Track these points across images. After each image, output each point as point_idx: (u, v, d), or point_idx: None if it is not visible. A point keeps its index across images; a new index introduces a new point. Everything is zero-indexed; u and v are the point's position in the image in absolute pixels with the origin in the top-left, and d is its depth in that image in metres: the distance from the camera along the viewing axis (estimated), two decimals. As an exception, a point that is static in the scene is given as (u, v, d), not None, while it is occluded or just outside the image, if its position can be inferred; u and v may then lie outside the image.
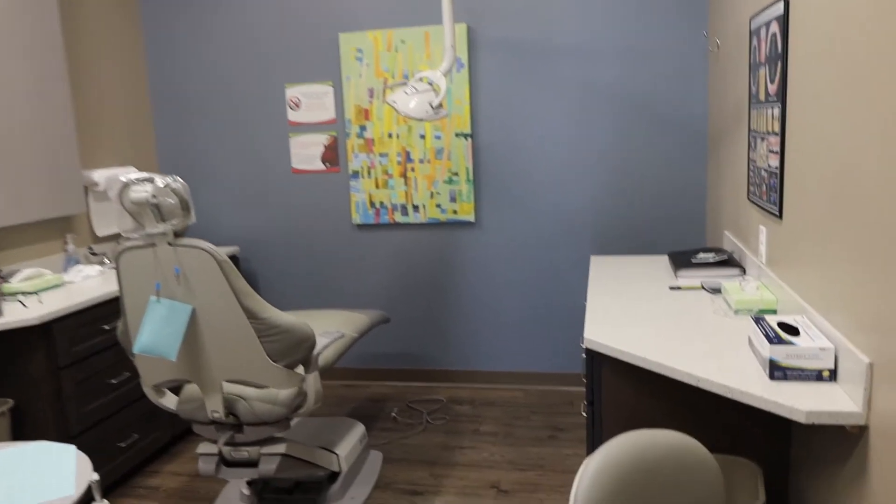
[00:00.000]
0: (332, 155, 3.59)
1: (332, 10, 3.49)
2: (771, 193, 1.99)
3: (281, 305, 3.82)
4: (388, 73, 3.44)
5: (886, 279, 1.23)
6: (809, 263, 1.67)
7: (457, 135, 3.42)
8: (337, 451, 2.59)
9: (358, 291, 3.71)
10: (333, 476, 2.60)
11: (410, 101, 2.70)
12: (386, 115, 3.48)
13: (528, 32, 3.31)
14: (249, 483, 2.62)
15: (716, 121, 2.99)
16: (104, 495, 2.72)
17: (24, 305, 2.54)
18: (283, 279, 3.79)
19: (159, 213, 2.03)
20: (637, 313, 2.05)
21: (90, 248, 3.29)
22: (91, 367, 2.62)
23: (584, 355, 1.95)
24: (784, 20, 1.83)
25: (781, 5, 1.85)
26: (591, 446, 1.98)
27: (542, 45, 3.31)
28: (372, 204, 3.57)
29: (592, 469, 1.39)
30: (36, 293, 2.72)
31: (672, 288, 2.30)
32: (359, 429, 2.81)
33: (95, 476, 1.71)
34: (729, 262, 2.40)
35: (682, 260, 2.50)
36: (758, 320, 1.66)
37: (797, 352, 1.49)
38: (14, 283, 2.68)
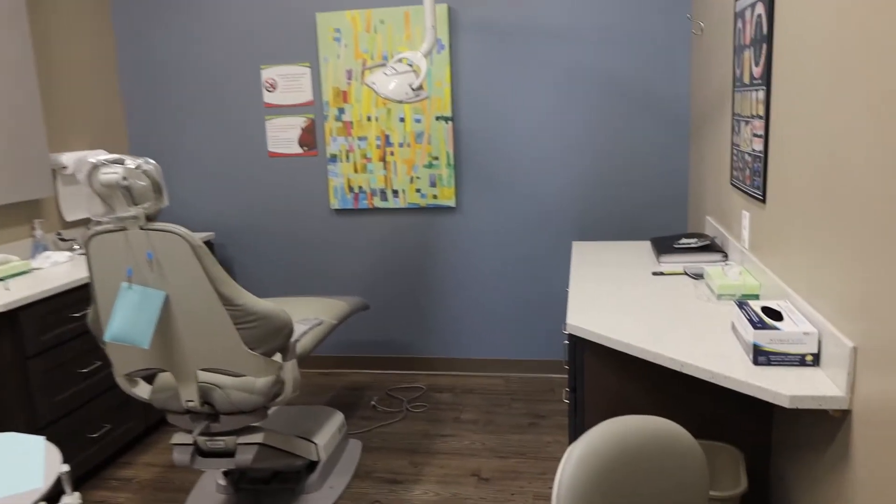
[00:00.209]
0: (310, 138, 3.52)
1: (309, -10, 3.40)
2: (754, 178, 1.98)
3: (258, 292, 3.75)
4: (367, 54, 3.37)
5: (871, 263, 1.22)
6: (793, 248, 1.66)
7: (437, 118, 3.36)
8: (315, 441, 2.55)
9: (337, 278, 3.65)
10: (312, 465, 2.57)
11: (390, 82, 2.64)
12: (365, 98, 3.41)
13: (510, 13, 3.26)
14: (226, 473, 2.57)
15: (699, 104, 2.98)
16: (75, 488, 2.65)
17: (-12, 292, 2.45)
18: (259, 265, 3.72)
19: (130, 195, 1.97)
20: (620, 299, 2.03)
21: (59, 234, 3.19)
22: (60, 357, 2.54)
23: (566, 341, 1.93)
24: (769, 1, 1.81)
25: (768, -14, 1.82)
26: (574, 433, 1.97)
27: (523, 26, 3.26)
28: (350, 189, 3.51)
29: (576, 456, 1.37)
30: (2, 280, 2.62)
31: (655, 273, 2.29)
32: (338, 417, 2.77)
33: (65, 468, 1.65)
34: (711, 247, 2.39)
35: (664, 245, 2.49)
36: (741, 305, 1.65)
37: (781, 336, 1.48)
38: (-22, 270, 2.59)
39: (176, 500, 2.54)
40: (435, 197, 3.44)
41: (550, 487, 2.49)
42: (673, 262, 2.39)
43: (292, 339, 2.19)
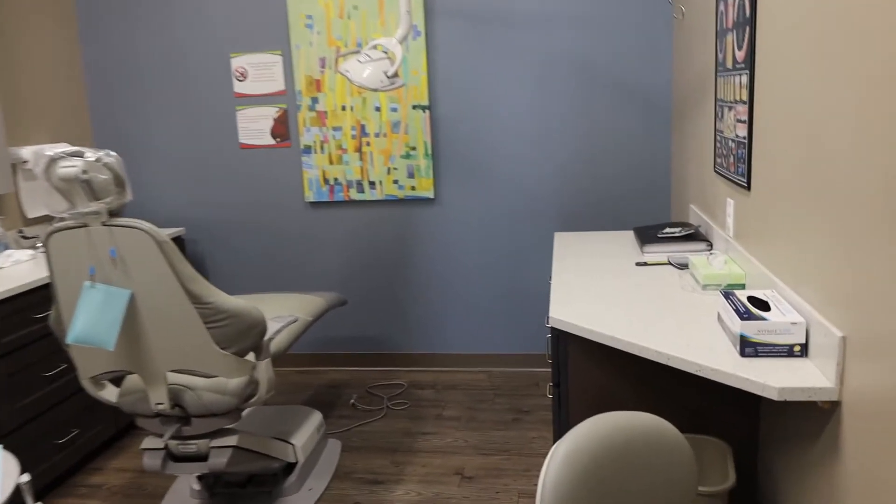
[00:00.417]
0: (283, 129, 3.42)
1: (279, -24, 3.30)
2: (739, 164, 1.94)
3: (231, 289, 3.65)
4: (341, 41, 3.27)
5: (859, 251, 1.18)
6: (779, 236, 1.62)
7: (414, 107, 3.28)
8: (293, 441, 2.48)
9: (313, 273, 3.57)
10: (289, 467, 2.49)
11: (364, 70, 2.55)
12: (339, 87, 3.32)
13: None
14: (200, 478, 2.49)
15: (681, 90, 2.94)
16: (41, 496, 2.55)
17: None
18: (232, 261, 3.62)
19: (91, 190, 1.88)
20: (603, 291, 1.98)
21: (20, 231, 3.06)
22: (22, 360, 2.43)
23: (549, 335, 1.88)
24: (754, -18, 1.76)
25: (751, -34, 1.78)
26: (558, 429, 1.92)
27: (501, 11, 3.19)
28: (326, 180, 3.42)
29: (560, 455, 1.32)
30: (-42, 280, 2.50)
31: (638, 264, 2.25)
32: (316, 417, 2.70)
33: (25, 477, 1.56)
34: (695, 236, 2.35)
35: (647, 235, 2.44)
36: (727, 295, 1.61)
37: (768, 327, 1.45)
38: (-68, 270, 2.46)
39: (148, 506, 2.46)
40: (413, 188, 3.36)
41: (535, 485, 2.44)
42: (657, 252, 2.35)
43: (266, 338, 2.12)
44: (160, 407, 2.07)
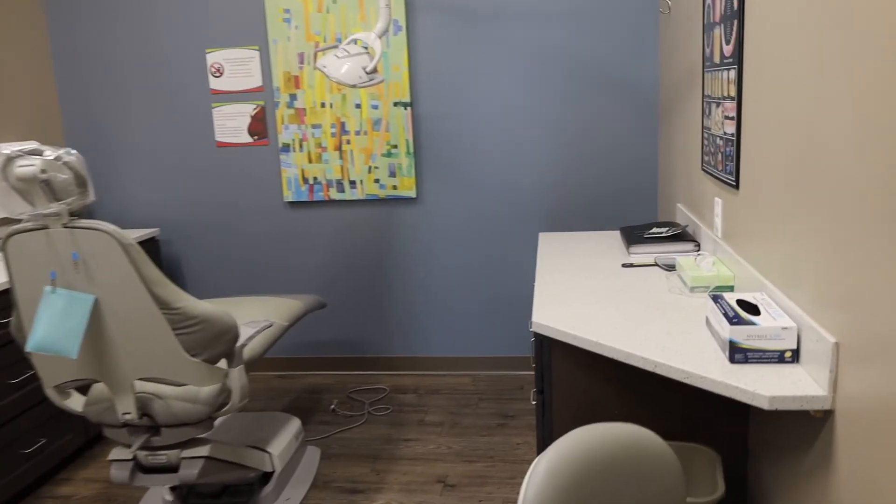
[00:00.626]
0: (260, 126, 3.33)
1: (256, -31, 3.20)
2: (727, 163, 1.88)
3: (208, 291, 3.55)
4: (320, 36, 3.18)
5: (853, 251, 1.13)
6: (769, 237, 1.57)
7: (395, 104, 3.20)
8: (269, 450, 2.40)
9: (291, 274, 3.48)
10: (266, 476, 2.41)
11: (342, 65, 2.47)
12: (318, 83, 3.23)
13: (470, -5, 3.11)
14: (173, 488, 2.40)
15: (668, 86, 2.88)
16: (6, 509, 2.45)
17: None
18: (209, 262, 3.52)
19: (51, 190, 1.78)
20: (588, 293, 1.92)
21: (-14, 233, 2.95)
22: (-16, 367, 2.33)
23: (533, 339, 1.82)
24: (742, -27, 1.71)
25: (739, -43, 1.72)
26: (542, 437, 1.85)
27: (485, 6, 3.12)
28: (305, 180, 3.33)
29: (542, 470, 1.25)
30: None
31: (625, 265, 2.18)
32: (294, 424, 2.62)
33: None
34: (683, 236, 2.30)
35: (634, 235, 2.38)
36: (716, 298, 1.56)
37: (758, 332, 1.40)
38: None
39: (118, 519, 2.37)
40: (395, 188, 3.28)
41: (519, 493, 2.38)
42: (643, 253, 2.29)
43: (238, 344, 2.04)
44: (127, 417, 1.99)
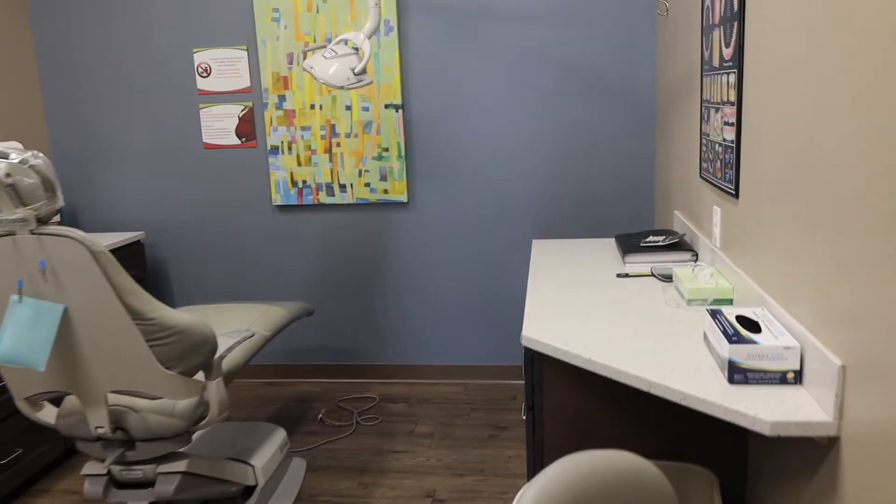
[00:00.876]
0: (248, 128, 3.24)
1: (245, -34, 3.12)
2: (726, 170, 1.81)
3: (194, 296, 3.47)
4: (309, 36, 3.10)
5: (860, 264, 1.06)
6: (769, 248, 1.50)
7: (386, 106, 3.12)
8: (252, 462, 2.32)
9: (280, 280, 3.40)
10: (249, 490, 2.33)
11: (330, 66, 2.39)
12: (307, 84, 3.15)
13: (464, -6, 3.04)
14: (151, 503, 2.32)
15: (665, 90, 2.81)
16: (-23, 523, 2.37)
17: None
18: (195, 267, 3.44)
19: (17, 195, 1.70)
20: (581, 305, 1.84)
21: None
22: (-45, 377, 2.25)
23: (524, 352, 1.74)
24: (743, -28, 1.63)
25: (740, -45, 1.64)
26: (532, 456, 1.77)
27: (478, 6, 3.04)
28: (294, 183, 3.25)
29: (529, 501, 1.17)
30: None
31: (619, 275, 2.11)
32: (279, 435, 2.54)
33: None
34: (680, 245, 2.22)
35: (629, 244, 2.30)
36: (714, 314, 1.48)
37: (759, 351, 1.33)
38: None
39: (93, 534, 2.28)
40: (385, 191, 3.20)
41: (509, 508, 2.30)
42: (639, 263, 2.21)
43: (216, 356, 1.95)
44: (100, 430, 1.91)
